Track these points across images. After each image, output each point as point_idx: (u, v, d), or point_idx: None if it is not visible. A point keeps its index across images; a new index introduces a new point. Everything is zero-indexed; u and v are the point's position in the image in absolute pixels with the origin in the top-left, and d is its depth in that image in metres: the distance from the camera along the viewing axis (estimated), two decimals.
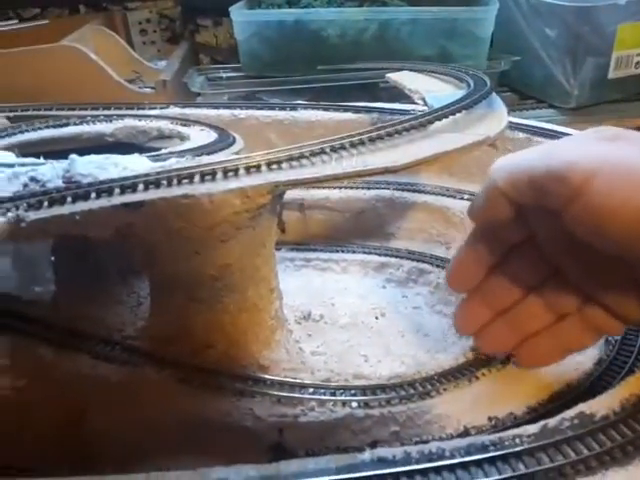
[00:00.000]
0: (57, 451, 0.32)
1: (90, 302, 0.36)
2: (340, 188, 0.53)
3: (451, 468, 0.24)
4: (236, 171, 0.31)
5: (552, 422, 0.25)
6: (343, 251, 0.51)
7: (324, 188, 0.53)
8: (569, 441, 0.24)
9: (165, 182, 0.30)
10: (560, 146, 0.27)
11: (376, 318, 0.44)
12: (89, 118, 0.51)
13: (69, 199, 0.28)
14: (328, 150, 0.34)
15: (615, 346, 0.35)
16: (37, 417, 0.32)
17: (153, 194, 0.29)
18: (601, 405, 0.26)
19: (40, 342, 0.34)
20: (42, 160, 0.34)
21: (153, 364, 0.33)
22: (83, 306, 0.36)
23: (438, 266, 0.47)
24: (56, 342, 0.34)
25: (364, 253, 0.51)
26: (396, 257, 0.50)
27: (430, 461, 0.24)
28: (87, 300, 0.36)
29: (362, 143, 0.35)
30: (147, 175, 0.30)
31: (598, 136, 0.26)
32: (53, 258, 0.35)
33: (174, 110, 0.56)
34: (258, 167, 0.32)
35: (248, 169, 0.31)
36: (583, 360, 0.34)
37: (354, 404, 0.31)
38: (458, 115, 0.41)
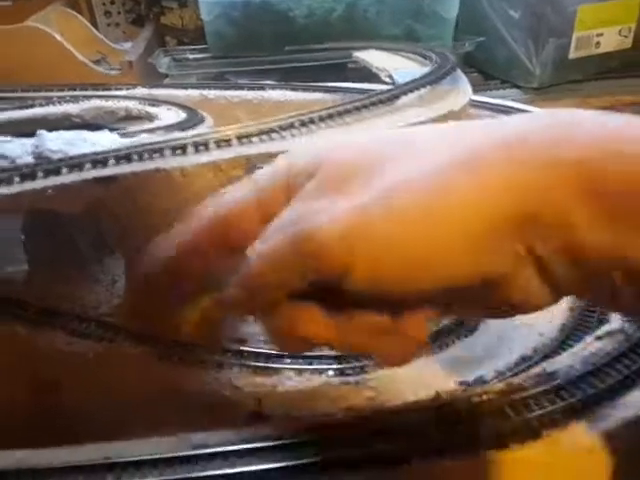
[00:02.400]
0: (32, 428, 0.31)
1: (64, 281, 0.36)
2: None
3: None
4: (207, 145, 0.31)
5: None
6: None
7: None
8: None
9: (136, 156, 0.30)
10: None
11: None
12: (55, 99, 0.50)
13: (40, 174, 0.28)
14: (297, 124, 0.34)
15: (578, 313, 0.36)
16: (12, 393, 0.32)
17: (124, 168, 0.29)
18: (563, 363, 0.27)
19: (14, 319, 0.33)
20: (8, 138, 0.33)
21: (130, 339, 0.33)
22: (57, 285, 0.36)
23: None
24: (30, 320, 0.33)
25: None
26: None
27: None
28: (61, 279, 0.36)
29: (331, 117, 0.35)
30: (118, 150, 0.30)
31: None
32: (24, 237, 0.35)
33: (141, 91, 0.55)
34: (229, 141, 0.32)
35: (219, 143, 0.31)
36: (549, 326, 0.35)
37: (330, 372, 0.32)
38: (423, 90, 0.41)
